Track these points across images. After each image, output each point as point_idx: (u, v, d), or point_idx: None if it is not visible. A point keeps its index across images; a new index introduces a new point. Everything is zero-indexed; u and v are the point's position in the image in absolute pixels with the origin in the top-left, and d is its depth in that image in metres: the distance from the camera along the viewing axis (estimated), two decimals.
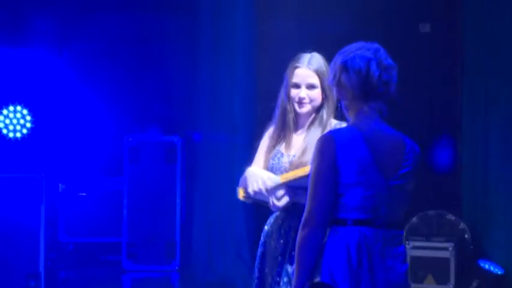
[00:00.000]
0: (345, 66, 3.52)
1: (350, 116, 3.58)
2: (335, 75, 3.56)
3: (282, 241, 4.28)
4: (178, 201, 8.37)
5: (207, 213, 8.23)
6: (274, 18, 8.03)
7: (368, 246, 3.42)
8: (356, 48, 3.55)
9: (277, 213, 4.33)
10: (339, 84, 3.55)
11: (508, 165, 7.58)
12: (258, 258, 4.36)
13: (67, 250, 8.48)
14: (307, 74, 4.30)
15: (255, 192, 4.20)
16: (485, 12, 7.69)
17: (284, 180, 4.14)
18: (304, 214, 3.45)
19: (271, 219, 4.36)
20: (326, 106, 4.30)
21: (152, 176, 8.36)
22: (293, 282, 3.44)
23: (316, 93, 4.30)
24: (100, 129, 8.46)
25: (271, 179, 4.18)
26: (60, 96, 8.22)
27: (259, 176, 4.22)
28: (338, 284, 3.37)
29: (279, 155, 4.34)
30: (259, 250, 4.36)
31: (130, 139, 8.35)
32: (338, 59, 3.57)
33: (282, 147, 4.36)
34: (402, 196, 3.50)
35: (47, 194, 7.64)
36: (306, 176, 3.77)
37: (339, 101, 3.65)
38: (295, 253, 3.46)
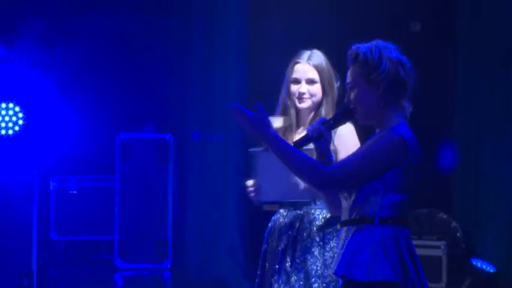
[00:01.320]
0: (402, 62, 3.46)
1: (383, 113, 3.47)
2: (384, 69, 3.44)
3: (283, 238, 4.29)
4: (170, 199, 8.36)
5: (199, 211, 8.23)
6: (267, 18, 8.02)
7: (411, 240, 3.45)
8: (391, 46, 3.49)
9: (281, 211, 4.35)
10: (395, 79, 3.45)
11: (499, 164, 7.59)
12: (261, 256, 4.39)
13: (59, 248, 8.46)
14: (307, 69, 4.32)
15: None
16: (476, 10, 7.70)
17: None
18: (332, 170, 3.38)
19: (274, 217, 4.38)
20: (325, 102, 4.30)
21: (144, 174, 8.35)
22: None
23: (316, 88, 4.31)
24: (92, 127, 8.44)
25: None
26: (52, 93, 8.20)
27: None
28: (405, 280, 3.36)
29: None
30: (262, 247, 4.39)
31: (122, 137, 8.33)
32: (384, 53, 3.45)
33: None
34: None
35: (39, 192, 7.62)
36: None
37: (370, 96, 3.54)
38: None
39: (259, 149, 4.15)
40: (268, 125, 3.50)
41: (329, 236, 4.24)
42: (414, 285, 3.39)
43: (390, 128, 3.44)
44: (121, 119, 8.47)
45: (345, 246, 3.43)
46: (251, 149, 4.20)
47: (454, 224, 7.62)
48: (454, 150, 7.89)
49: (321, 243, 4.23)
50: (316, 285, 4.19)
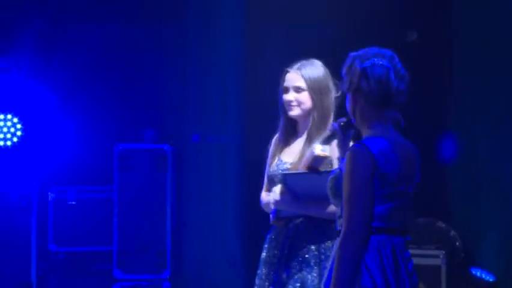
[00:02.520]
0: (365, 74, 3.44)
1: (363, 124, 3.51)
2: (351, 82, 3.47)
3: (279, 247, 4.31)
4: (168, 209, 8.35)
5: (198, 221, 8.22)
6: (263, 25, 8.03)
7: (398, 252, 3.43)
8: (371, 54, 3.47)
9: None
10: (357, 91, 3.47)
11: (498, 172, 7.59)
12: (260, 264, 4.41)
13: (57, 259, 8.45)
14: (295, 78, 4.37)
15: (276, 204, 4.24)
16: (474, 16, 7.72)
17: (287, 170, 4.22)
18: (344, 230, 3.38)
19: (274, 228, 4.40)
20: (317, 110, 4.32)
21: (142, 184, 8.34)
22: None
23: (304, 96, 4.35)
24: (90, 137, 8.44)
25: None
26: (50, 104, 8.20)
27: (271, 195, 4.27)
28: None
29: (278, 162, 4.39)
30: (262, 256, 4.42)
31: (120, 147, 8.33)
32: (354, 65, 3.47)
33: (283, 154, 4.41)
34: (412, 203, 3.53)
35: (38, 203, 7.62)
36: (302, 174, 3.81)
37: (354, 108, 3.55)
38: (334, 268, 3.37)
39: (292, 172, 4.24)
40: None
41: (323, 246, 4.24)
42: None
43: (356, 142, 3.47)
44: (120, 129, 8.46)
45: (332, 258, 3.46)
46: (283, 173, 4.27)
47: (452, 233, 7.61)
48: (453, 145, 7.89)
49: (317, 253, 4.23)
50: None
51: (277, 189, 4.27)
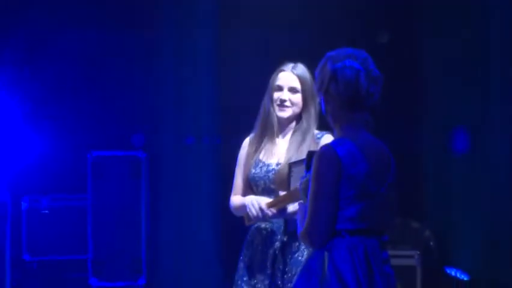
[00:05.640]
0: (334, 76, 3.45)
1: (335, 125, 3.52)
2: (322, 83, 3.48)
3: (270, 252, 4.26)
4: (143, 216, 8.32)
5: (174, 228, 8.21)
6: (237, 31, 8.04)
7: (370, 254, 3.43)
8: (343, 55, 3.47)
9: (261, 224, 4.32)
10: (326, 93, 3.49)
11: (469, 171, 7.63)
12: (242, 271, 4.33)
13: (32, 269, 8.39)
14: (291, 78, 4.36)
15: (257, 218, 4.21)
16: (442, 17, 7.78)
17: (274, 206, 4.16)
18: (305, 228, 3.39)
19: (254, 230, 4.34)
20: (307, 114, 4.31)
21: (116, 192, 8.31)
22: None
23: (298, 98, 4.34)
24: (63, 145, 8.40)
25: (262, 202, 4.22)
26: (22, 112, 8.15)
27: (255, 203, 4.21)
28: None
29: (261, 164, 4.33)
30: (243, 262, 4.33)
31: (94, 155, 8.30)
32: (326, 66, 3.48)
33: (262, 155, 4.35)
34: (389, 204, 3.52)
35: (11, 212, 7.56)
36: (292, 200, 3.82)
37: (326, 109, 3.56)
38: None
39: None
40: None
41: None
42: None
43: (324, 145, 3.48)
44: (93, 136, 8.43)
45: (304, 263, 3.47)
46: (289, 162, 4.22)
47: (427, 232, 7.64)
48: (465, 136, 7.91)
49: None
50: None
51: (264, 202, 4.21)
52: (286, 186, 4.11)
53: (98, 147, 8.35)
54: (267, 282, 4.20)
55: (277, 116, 4.30)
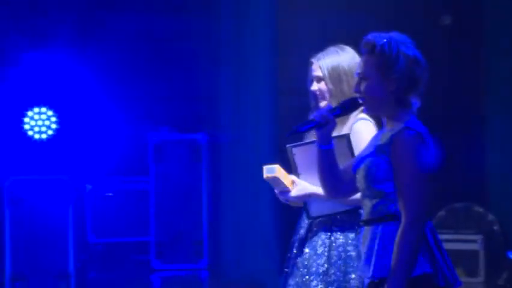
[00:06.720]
0: (417, 61, 3.44)
1: (395, 108, 3.46)
2: (400, 67, 3.41)
3: (300, 233, 4.31)
4: (204, 199, 8.37)
5: (234, 210, 8.23)
6: (296, 15, 8.01)
7: (436, 234, 3.45)
8: (409, 41, 3.45)
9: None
10: (409, 77, 3.43)
11: None
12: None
13: (96, 251, 8.51)
14: (314, 68, 4.33)
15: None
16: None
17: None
18: (407, 217, 3.36)
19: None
20: (334, 101, 4.23)
21: (178, 175, 8.37)
22: (394, 279, 3.34)
23: (323, 86, 4.29)
24: (125, 129, 8.48)
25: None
26: (84, 96, 8.25)
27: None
28: (436, 273, 3.36)
29: None
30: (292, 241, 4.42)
31: (155, 138, 8.36)
32: (401, 50, 3.42)
33: None
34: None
35: (75, 195, 7.67)
36: None
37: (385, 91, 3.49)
38: (394, 255, 3.34)
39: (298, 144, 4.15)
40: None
41: (335, 235, 4.20)
42: (445, 277, 3.38)
43: (405, 125, 3.42)
44: (154, 120, 8.49)
45: (375, 247, 3.41)
46: (288, 145, 4.20)
47: (490, 217, 7.56)
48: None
49: (327, 241, 4.20)
50: (314, 283, 4.17)
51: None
52: (294, 169, 4.14)
53: (160, 131, 8.41)
54: (290, 260, 4.29)
55: (317, 107, 4.29)
